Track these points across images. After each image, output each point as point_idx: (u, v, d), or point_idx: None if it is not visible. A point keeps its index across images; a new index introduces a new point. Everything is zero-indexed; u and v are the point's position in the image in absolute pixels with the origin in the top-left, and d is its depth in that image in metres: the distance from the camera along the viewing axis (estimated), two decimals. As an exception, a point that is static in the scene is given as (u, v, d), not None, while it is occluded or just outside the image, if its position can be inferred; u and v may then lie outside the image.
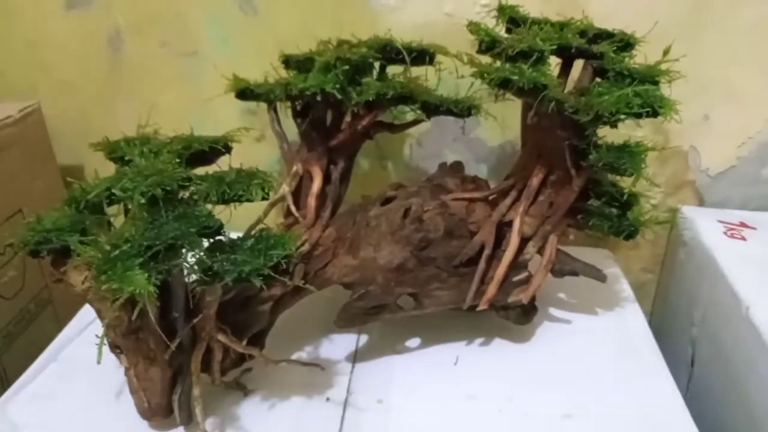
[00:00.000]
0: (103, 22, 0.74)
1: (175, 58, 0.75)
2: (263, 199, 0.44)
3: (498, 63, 0.51)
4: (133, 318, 0.39)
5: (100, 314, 0.43)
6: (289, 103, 0.62)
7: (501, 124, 0.71)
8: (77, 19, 0.74)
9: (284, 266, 0.41)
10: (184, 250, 0.39)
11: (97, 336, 0.41)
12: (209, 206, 0.42)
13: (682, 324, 0.66)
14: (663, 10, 0.67)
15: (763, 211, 0.72)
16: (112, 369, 0.54)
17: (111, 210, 0.47)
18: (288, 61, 0.63)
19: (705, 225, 0.67)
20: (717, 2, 0.66)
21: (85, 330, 0.61)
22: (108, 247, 0.38)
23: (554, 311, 0.64)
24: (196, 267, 0.39)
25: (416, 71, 0.60)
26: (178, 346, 0.45)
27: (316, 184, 0.58)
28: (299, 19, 0.71)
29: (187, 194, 0.43)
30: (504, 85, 0.46)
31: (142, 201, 0.40)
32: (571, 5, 0.66)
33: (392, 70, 0.60)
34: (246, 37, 0.73)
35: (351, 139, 0.61)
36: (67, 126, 0.78)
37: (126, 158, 0.46)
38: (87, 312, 0.63)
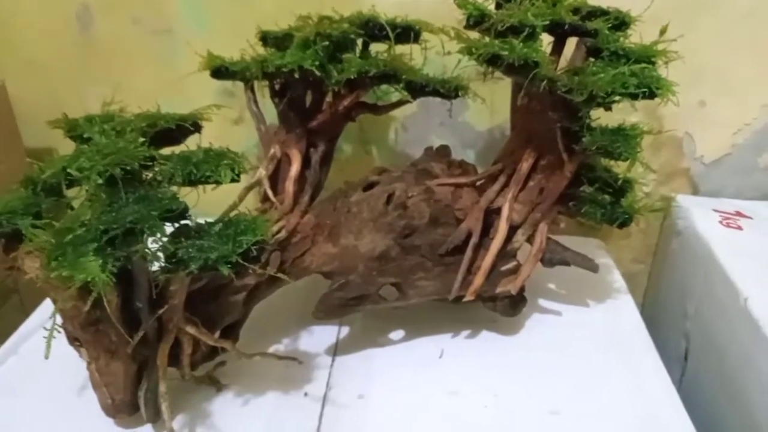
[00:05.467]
0: (71, -2, 0.70)
1: (148, 36, 0.71)
2: (233, 181, 0.41)
3: (486, 39, 0.48)
4: (87, 308, 0.36)
5: (55, 305, 0.40)
6: (266, 82, 0.59)
7: (489, 107, 0.68)
8: (44, -6, 0.70)
9: (255, 253, 0.37)
10: (145, 236, 0.36)
11: (57, 328, 0.38)
12: (174, 188, 0.39)
13: (675, 316, 0.64)
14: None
15: (759, 200, 0.70)
16: (77, 363, 0.51)
17: (71, 192, 0.44)
18: (265, 38, 0.60)
19: (700, 214, 0.65)
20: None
21: (49, 321, 0.57)
22: (61, 232, 0.35)
23: (544, 302, 0.61)
24: (158, 253, 0.36)
25: (401, 49, 0.57)
26: (142, 339, 0.42)
27: (295, 168, 0.55)
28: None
29: (149, 175, 0.39)
30: (493, 61, 0.43)
31: (100, 181, 0.36)
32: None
33: (376, 48, 0.57)
34: (222, 14, 0.69)
35: (332, 120, 0.57)
36: (35, 107, 0.74)
37: (86, 136, 0.42)
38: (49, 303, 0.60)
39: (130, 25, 0.70)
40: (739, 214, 0.66)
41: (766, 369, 0.47)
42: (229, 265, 0.37)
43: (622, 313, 0.60)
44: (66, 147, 0.77)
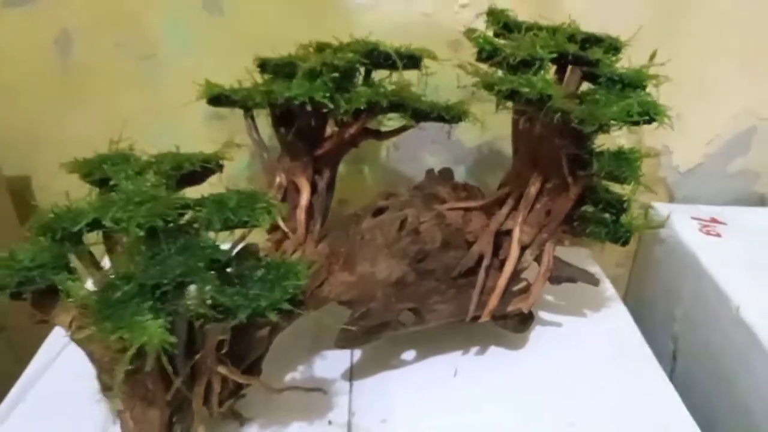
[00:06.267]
0: (49, 22, 0.67)
1: (132, 61, 0.69)
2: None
3: (497, 71, 0.50)
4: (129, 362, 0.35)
5: (91, 357, 0.39)
6: (264, 110, 0.59)
7: (479, 125, 0.70)
8: (19, 19, 0.67)
9: (300, 297, 0.38)
10: (191, 288, 0.36)
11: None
12: (212, 234, 0.39)
13: (662, 319, 0.68)
14: (636, 10, 0.67)
15: (729, 205, 0.75)
16: (87, 405, 0.50)
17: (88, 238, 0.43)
18: (264, 65, 0.60)
19: (680, 222, 0.69)
20: (688, 2, 0.67)
21: (52, 364, 0.56)
22: (106, 288, 0.35)
23: (544, 315, 0.64)
24: (205, 304, 0.36)
25: (404, 76, 0.58)
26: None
27: (305, 197, 0.56)
28: (269, 20, 0.67)
29: (183, 222, 0.39)
30: (511, 96, 0.45)
31: (141, 233, 0.36)
32: (547, 3, 0.66)
33: (377, 74, 0.58)
34: (211, 39, 0.68)
35: (337, 147, 0.58)
36: (12, 134, 0.71)
37: (111, 182, 0.41)
38: (52, 343, 0.58)
39: (113, 50, 0.68)
40: (714, 220, 0.70)
41: (762, 372, 0.51)
42: (276, 311, 0.37)
43: (616, 320, 0.63)
44: (43, 174, 0.75)
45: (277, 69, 0.58)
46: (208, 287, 0.35)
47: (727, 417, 0.55)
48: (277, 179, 0.58)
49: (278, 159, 0.59)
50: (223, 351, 0.39)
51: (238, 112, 0.67)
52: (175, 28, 0.68)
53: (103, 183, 0.44)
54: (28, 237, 0.42)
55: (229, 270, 0.38)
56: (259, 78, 0.60)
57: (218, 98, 0.59)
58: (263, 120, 0.61)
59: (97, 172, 0.43)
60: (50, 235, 0.41)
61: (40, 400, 0.52)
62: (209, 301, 0.36)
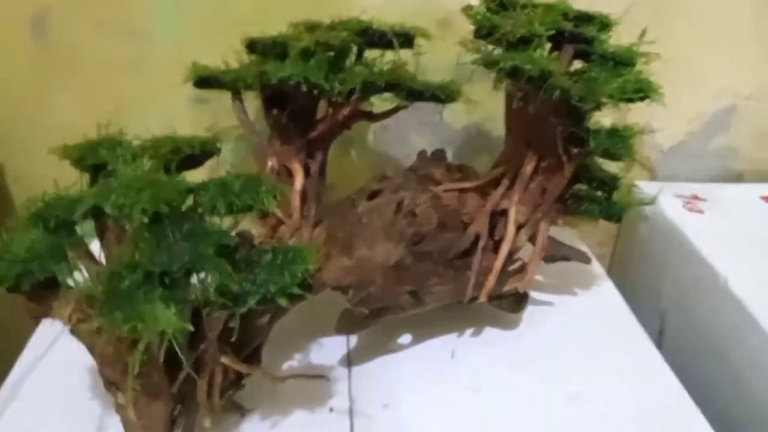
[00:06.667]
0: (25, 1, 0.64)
1: (114, 42, 0.66)
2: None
3: (494, 48, 0.49)
4: (144, 353, 0.34)
5: (92, 351, 0.38)
6: (250, 92, 0.58)
7: (465, 107, 0.70)
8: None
9: (309, 282, 0.37)
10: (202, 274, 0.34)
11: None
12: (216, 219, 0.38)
13: (648, 295, 0.69)
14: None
15: (710, 182, 0.76)
16: (82, 400, 0.49)
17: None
18: (253, 45, 0.58)
19: (664, 200, 0.70)
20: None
21: (41, 360, 0.54)
22: (112, 277, 0.33)
23: (535, 294, 0.64)
24: (215, 291, 0.35)
25: (391, 55, 0.57)
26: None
27: (299, 181, 0.55)
28: (256, -1, 0.65)
29: (187, 207, 0.38)
30: (513, 73, 0.45)
31: (145, 220, 0.34)
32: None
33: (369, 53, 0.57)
34: (195, 17, 0.66)
35: (330, 130, 0.57)
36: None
37: (108, 167, 0.39)
38: (42, 337, 0.56)
39: (94, 30, 0.65)
40: (696, 197, 0.72)
41: (752, 342, 0.52)
42: (286, 297, 0.36)
43: (605, 297, 0.64)
44: (17, 162, 0.72)
45: (267, 49, 0.56)
46: (218, 274, 0.34)
47: (719, 388, 0.56)
48: (269, 163, 0.56)
49: (269, 142, 0.58)
50: (232, 339, 0.38)
51: (221, 95, 0.66)
52: (159, 8, 0.65)
53: (95, 169, 0.42)
54: (15, 227, 0.40)
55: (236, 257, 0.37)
56: (246, 58, 0.59)
57: (206, 80, 0.57)
58: (248, 103, 0.59)
59: (90, 157, 0.41)
60: (42, 224, 0.40)
61: (33, 396, 0.50)
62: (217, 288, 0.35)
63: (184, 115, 0.70)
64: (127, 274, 0.33)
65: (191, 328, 0.31)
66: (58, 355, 0.54)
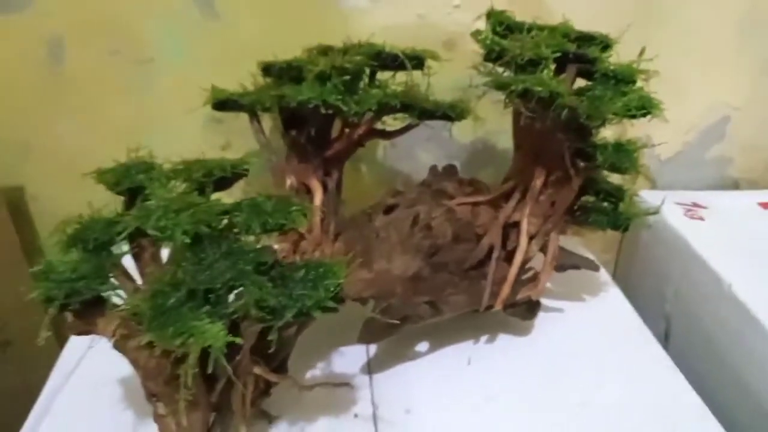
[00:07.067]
0: (40, 29, 0.66)
1: (126, 67, 0.69)
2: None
3: (504, 70, 0.52)
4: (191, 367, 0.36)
5: (136, 364, 0.40)
6: (265, 114, 0.60)
7: (472, 122, 0.72)
8: (8, 26, 0.66)
9: (341, 295, 0.39)
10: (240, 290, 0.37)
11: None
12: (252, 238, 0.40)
13: (652, 301, 0.72)
14: (615, 14, 0.71)
15: (707, 189, 0.79)
16: (113, 413, 0.51)
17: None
18: (268, 69, 0.61)
19: (665, 208, 0.72)
20: (664, 3, 0.71)
21: (72, 374, 0.56)
22: (157, 295, 0.35)
23: (545, 301, 0.66)
24: (254, 305, 0.37)
25: (401, 76, 0.59)
26: (215, 386, 0.43)
27: (318, 197, 0.57)
28: (265, 24, 0.68)
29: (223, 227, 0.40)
30: (524, 95, 0.47)
31: (187, 240, 0.37)
32: (533, 3, 0.68)
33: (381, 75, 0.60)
34: (207, 44, 0.68)
35: (346, 148, 0.59)
36: (3, 144, 0.70)
37: (146, 191, 0.42)
38: (71, 353, 0.58)
39: (107, 56, 0.68)
40: (696, 205, 0.74)
41: (756, 346, 0.54)
42: (321, 310, 0.38)
43: (613, 303, 0.67)
44: (36, 184, 0.74)
45: (282, 73, 0.59)
46: (258, 290, 0.36)
47: (723, 390, 0.58)
48: (288, 181, 0.59)
49: (286, 161, 0.60)
50: (270, 351, 0.40)
51: (234, 117, 0.68)
52: (170, 35, 0.68)
53: (131, 192, 0.44)
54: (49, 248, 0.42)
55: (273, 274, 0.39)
56: (261, 81, 0.61)
57: (224, 103, 0.59)
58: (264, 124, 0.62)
59: (126, 181, 0.44)
60: (81, 246, 0.42)
61: (65, 411, 0.52)
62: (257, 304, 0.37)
63: (199, 136, 0.72)
64: (171, 291, 0.35)
65: (241, 341, 0.33)
66: (87, 372, 0.56)
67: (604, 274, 0.71)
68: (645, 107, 0.52)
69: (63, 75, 0.68)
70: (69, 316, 0.39)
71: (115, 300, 0.39)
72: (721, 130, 0.79)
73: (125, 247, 0.42)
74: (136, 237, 0.40)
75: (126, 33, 0.67)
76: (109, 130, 0.71)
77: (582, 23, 0.60)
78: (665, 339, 0.69)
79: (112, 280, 0.39)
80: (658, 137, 0.78)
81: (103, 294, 0.38)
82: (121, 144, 0.48)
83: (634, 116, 0.52)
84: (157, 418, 0.43)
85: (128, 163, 0.47)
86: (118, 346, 0.40)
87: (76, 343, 0.58)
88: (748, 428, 0.57)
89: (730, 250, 0.64)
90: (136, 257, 0.44)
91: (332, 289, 0.39)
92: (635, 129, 0.77)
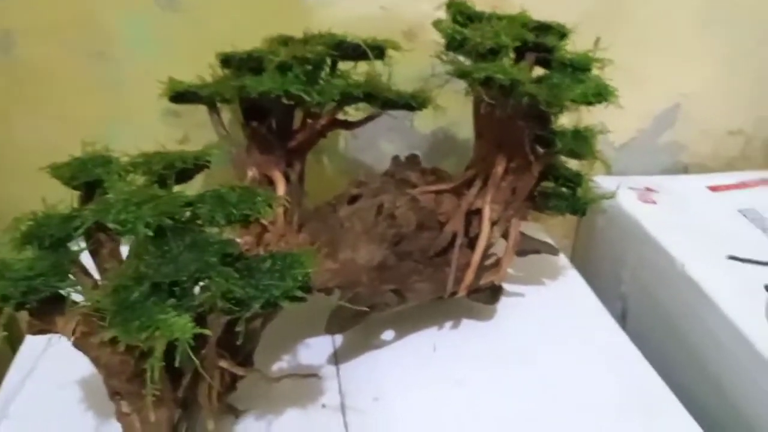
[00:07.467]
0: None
1: (84, 61, 0.66)
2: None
3: (465, 59, 0.52)
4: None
5: (97, 362, 0.39)
6: (224, 105, 0.59)
7: (431, 112, 0.73)
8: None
9: (309, 284, 0.39)
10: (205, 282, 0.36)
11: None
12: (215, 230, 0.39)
13: (609, 282, 0.74)
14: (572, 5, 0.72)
15: (659, 174, 0.82)
16: (74, 414, 0.50)
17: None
18: (227, 60, 0.60)
19: (620, 192, 0.74)
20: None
21: (28, 377, 0.54)
22: (119, 290, 0.35)
23: (507, 286, 0.67)
24: (221, 297, 0.37)
25: (362, 66, 0.59)
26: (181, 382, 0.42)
27: (281, 189, 0.56)
28: (226, 16, 0.66)
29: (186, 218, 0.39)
30: (486, 83, 0.48)
31: (150, 233, 0.36)
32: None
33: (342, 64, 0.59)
34: (166, 36, 0.66)
35: (308, 139, 0.59)
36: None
37: (105, 185, 0.41)
38: (25, 357, 0.56)
39: (62, 49, 0.65)
40: (648, 189, 0.77)
41: (711, 322, 0.57)
42: (288, 300, 0.38)
43: (573, 286, 0.68)
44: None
45: (242, 64, 0.58)
46: (224, 281, 0.36)
47: (679, 366, 0.61)
48: (249, 173, 0.58)
49: (247, 153, 0.59)
50: (238, 343, 0.39)
51: (192, 109, 0.67)
52: (130, 26, 0.66)
53: (88, 186, 0.43)
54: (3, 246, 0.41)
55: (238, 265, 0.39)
56: (220, 73, 0.60)
57: (183, 95, 0.58)
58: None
59: (82, 175, 0.42)
60: (37, 243, 0.40)
61: (24, 415, 0.50)
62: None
63: (158, 129, 0.70)
64: (134, 286, 0.35)
65: (209, 332, 0.33)
66: (45, 372, 0.55)
67: (563, 258, 0.72)
68: (602, 94, 0.53)
69: (15, 70, 0.66)
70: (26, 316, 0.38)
71: (75, 297, 0.38)
72: (673, 117, 0.81)
73: (82, 244, 0.41)
74: (94, 233, 0.39)
75: (83, 24, 0.65)
76: (65, 124, 0.68)
77: (540, 14, 0.61)
78: (622, 318, 0.71)
79: (71, 276, 0.38)
80: (613, 125, 0.80)
81: (62, 291, 0.36)
82: (77, 138, 0.47)
83: (591, 103, 0.53)
84: (121, 416, 0.43)
85: (84, 156, 0.45)
86: (78, 345, 0.39)
87: (31, 344, 0.56)
88: (705, 402, 0.59)
89: (681, 231, 0.66)
90: (94, 254, 0.43)
91: (300, 278, 0.39)
92: (590, 116, 0.79)
